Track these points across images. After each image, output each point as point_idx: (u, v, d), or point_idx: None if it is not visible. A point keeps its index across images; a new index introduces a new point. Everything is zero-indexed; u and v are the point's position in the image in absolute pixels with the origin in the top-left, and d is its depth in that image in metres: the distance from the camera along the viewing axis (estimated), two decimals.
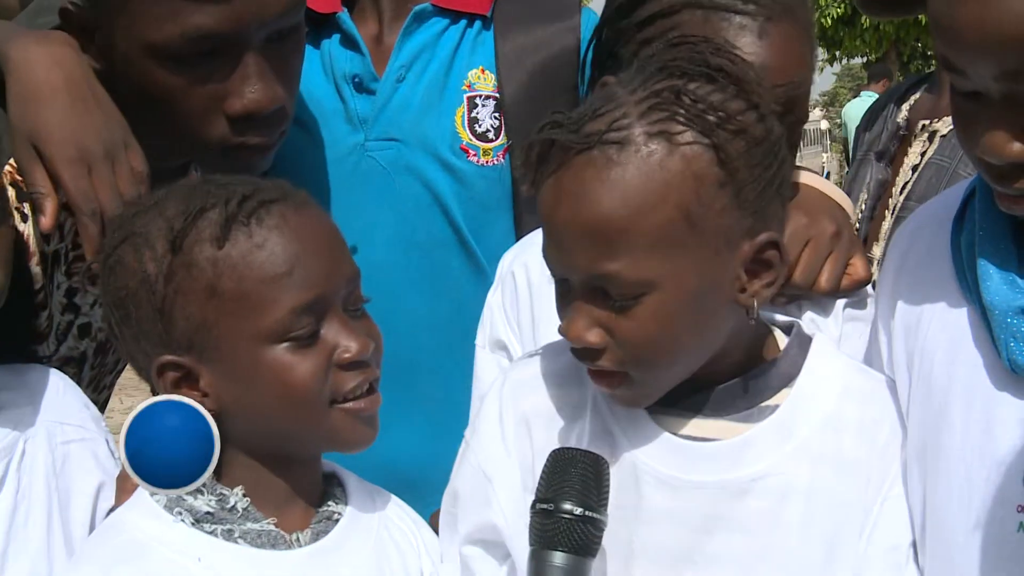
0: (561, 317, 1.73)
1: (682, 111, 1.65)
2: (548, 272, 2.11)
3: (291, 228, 1.72)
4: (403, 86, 2.35)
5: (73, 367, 2.14)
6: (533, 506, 1.68)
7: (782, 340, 1.84)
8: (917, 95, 2.32)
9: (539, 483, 1.70)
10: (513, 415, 1.83)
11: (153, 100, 2.02)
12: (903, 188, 2.16)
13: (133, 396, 6.88)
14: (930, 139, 2.14)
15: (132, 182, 1.95)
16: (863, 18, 24.46)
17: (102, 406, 2.31)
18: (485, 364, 2.20)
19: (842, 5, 25.43)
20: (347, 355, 1.73)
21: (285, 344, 1.70)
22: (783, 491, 1.74)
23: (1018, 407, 1.67)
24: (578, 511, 1.65)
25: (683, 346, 1.72)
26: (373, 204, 2.35)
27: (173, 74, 1.99)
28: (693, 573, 1.74)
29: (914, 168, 2.12)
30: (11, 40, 2.01)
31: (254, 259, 1.70)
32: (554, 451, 1.72)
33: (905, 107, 2.31)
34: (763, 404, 1.77)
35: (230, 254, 1.70)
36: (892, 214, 2.16)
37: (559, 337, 2.00)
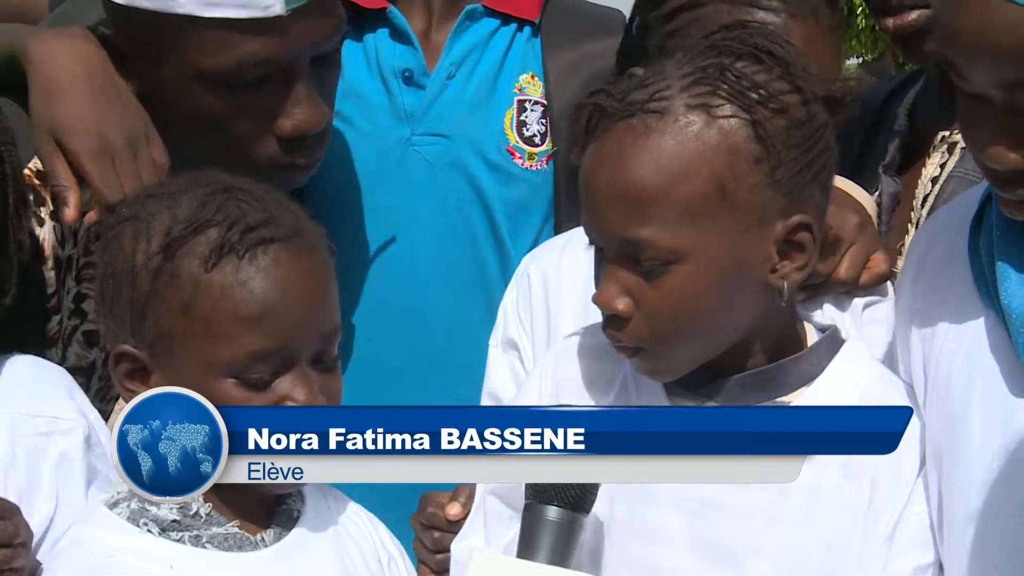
0: (596, 285, 1.75)
1: (724, 86, 1.69)
2: (564, 274, 2.12)
3: (279, 274, 1.71)
4: (453, 83, 2.36)
5: (81, 377, 2.12)
6: None
7: (814, 339, 1.82)
8: (908, 98, 2.29)
9: None
10: (551, 381, 1.85)
11: (200, 124, 2.02)
12: (924, 201, 2.14)
13: None
14: (950, 151, 2.13)
15: (153, 174, 1.95)
16: (860, 19, 24.44)
17: (106, 417, 2.30)
18: (496, 363, 2.21)
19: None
20: None
21: (234, 380, 1.71)
22: (784, 487, 1.68)
23: None
24: None
25: (708, 322, 1.72)
26: (416, 198, 2.36)
27: (223, 99, 2.00)
28: (689, 558, 1.73)
29: (934, 180, 2.11)
30: (30, 36, 2.02)
31: (232, 293, 1.70)
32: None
33: (902, 113, 2.30)
34: (779, 399, 1.76)
35: (212, 279, 1.70)
36: (916, 228, 2.12)
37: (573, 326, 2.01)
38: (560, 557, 1.65)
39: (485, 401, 2.18)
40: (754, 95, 1.69)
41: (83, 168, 1.92)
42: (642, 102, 1.70)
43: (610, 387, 1.81)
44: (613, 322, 1.72)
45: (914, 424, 1.75)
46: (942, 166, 2.09)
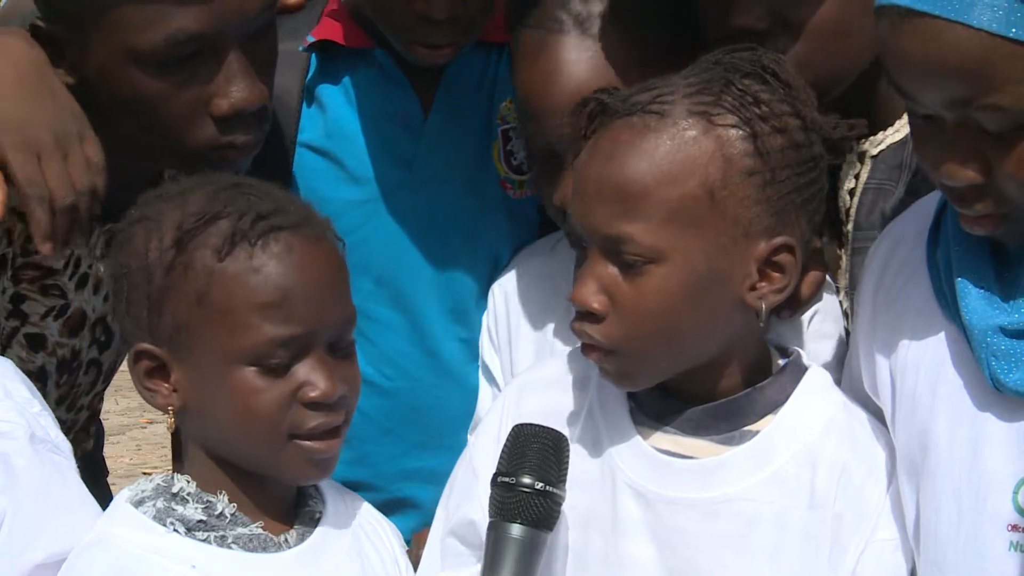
0: (575, 283, 1.75)
1: (728, 98, 1.71)
2: (526, 293, 2.17)
3: (292, 260, 1.72)
4: (448, 123, 2.30)
5: (36, 383, 2.03)
6: (494, 479, 1.71)
7: (777, 365, 1.83)
8: None
9: (500, 457, 1.73)
10: (512, 417, 1.83)
11: (135, 108, 1.98)
12: (847, 215, 2.07)
13: (129, 396, 6.88)
14: (860, 160, 2.06)
15: (86, 172, 1.92)
16: None
17: (83, 425, 2.29)
18: (483, 391, 2.25)
19: None
20: (312, 394, 1.72)
21: (254, 368, 1.71)
22: (752, 517, 1.74)
23: (1003, 426, 1.67)
24: (538, 485, 1.69)
25: (681, 330, 1.72)
26: (417, 240, 2.31)
27: (156, 79, 1.95)
28: None
29: (851, 192, 2.07)
30: None
31: (247, 281, 1.71)
32: (516, 426, 1.75)
33: None
34: (745, 428, 1.77)
35: (227, 269, 1.71)
36: (848, 241, 2.08)
37: (532, 356, 2.07)
38: (523, 574, 1.68)
39: (472, 426, 2.20)
40: (756, 110, 1.70)
41: (6, 162, 1.88)
42: (644, 103, 1.72)
43: (575, 419, 1.82)
44: (587, 318, 1.72)
45: (878, 455, 1.79)
46: (856, 177, 2.06)
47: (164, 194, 1.81)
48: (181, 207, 1.76)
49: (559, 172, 2.02)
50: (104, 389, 2.33)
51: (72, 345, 2.16)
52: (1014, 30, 1.52)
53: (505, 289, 2.21)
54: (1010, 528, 1.66)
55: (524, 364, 2.15)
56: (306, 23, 2.29)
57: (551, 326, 2.16)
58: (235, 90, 1.97)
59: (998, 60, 1.53)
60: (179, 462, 1.84)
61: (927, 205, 1.83)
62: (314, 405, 1.73)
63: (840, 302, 2.07)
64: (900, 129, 1.99)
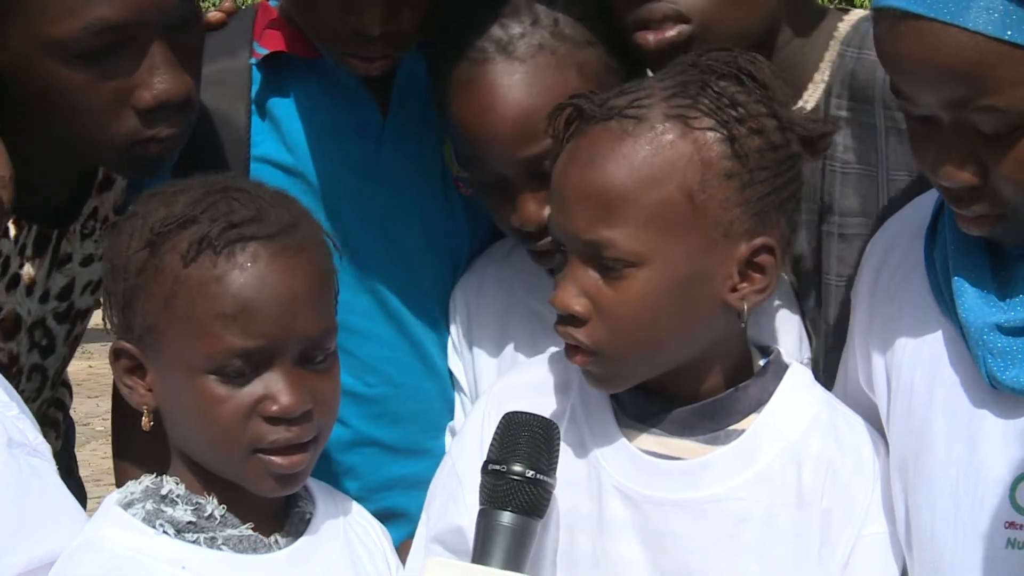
0: (556, 287, 1.76)
1: (705, 101, 1.71)
2: (484, 300, 2.17)
3: (256, 272, 1.69)
4: (405, 127, 2.28)
5: None
6: (485, 467, 1.71)
7: (758, 363, 1.84)
8: None
9: (491, 445, 1.73)
10: (494, 421, 1.82)
11: (55, 100, 1.91)
12: None
13: None
14: None
15: None
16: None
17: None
18: (457, 401, 2.25)
19: None
20: (273, 408, 1.68)
21: (215, 376, 1.69)
22: (740, 516, 1.74)
23: (1000, 423, 1.67)
24: (529, 473, 1.69)
25: (664, 332, 1.73)
26: (380, 247, 2.29)
27: (77, 71, 1.88)
28: None
29: None
30: None
31: (209, 290, 1.68)
32: (506, 414, 1.75)
33: None
34: (730, 428, 1.77)
35: (191, 275, 1.68)
36: None
37: (493, 362, 2.10)
38: (514, 562, 1.67)
39: (448, 436, 2.20)
40: (733, 112, 1.70)
41: None
42: (621, 107, 1.72)
43: (559, 420, 1.81)
44: (571, 321, 1.73)
45: (863, 450, 1.80)
46: None
47: (160, 191, 1.80)
48: (168, 206, 1.74)
49: (512, 195, 2.02)
50: (53, 395, 2.29)
51: (8, 349, 2.12)
52: (1010, 32, 1.52)
53: (466, 296, 2.21)
54: (1007, 525, 1.67)
55: (486, 371, 2.16)
56: (239, 39, 2.25)
57: (510, 332, 2.17)
58: (158, 81, 1.91)
59: (994, 62, 1.53)
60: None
61: (924, 204, 1.84)
62: (275, 419, 1.70)
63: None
64: (808, 101, 1.98)
